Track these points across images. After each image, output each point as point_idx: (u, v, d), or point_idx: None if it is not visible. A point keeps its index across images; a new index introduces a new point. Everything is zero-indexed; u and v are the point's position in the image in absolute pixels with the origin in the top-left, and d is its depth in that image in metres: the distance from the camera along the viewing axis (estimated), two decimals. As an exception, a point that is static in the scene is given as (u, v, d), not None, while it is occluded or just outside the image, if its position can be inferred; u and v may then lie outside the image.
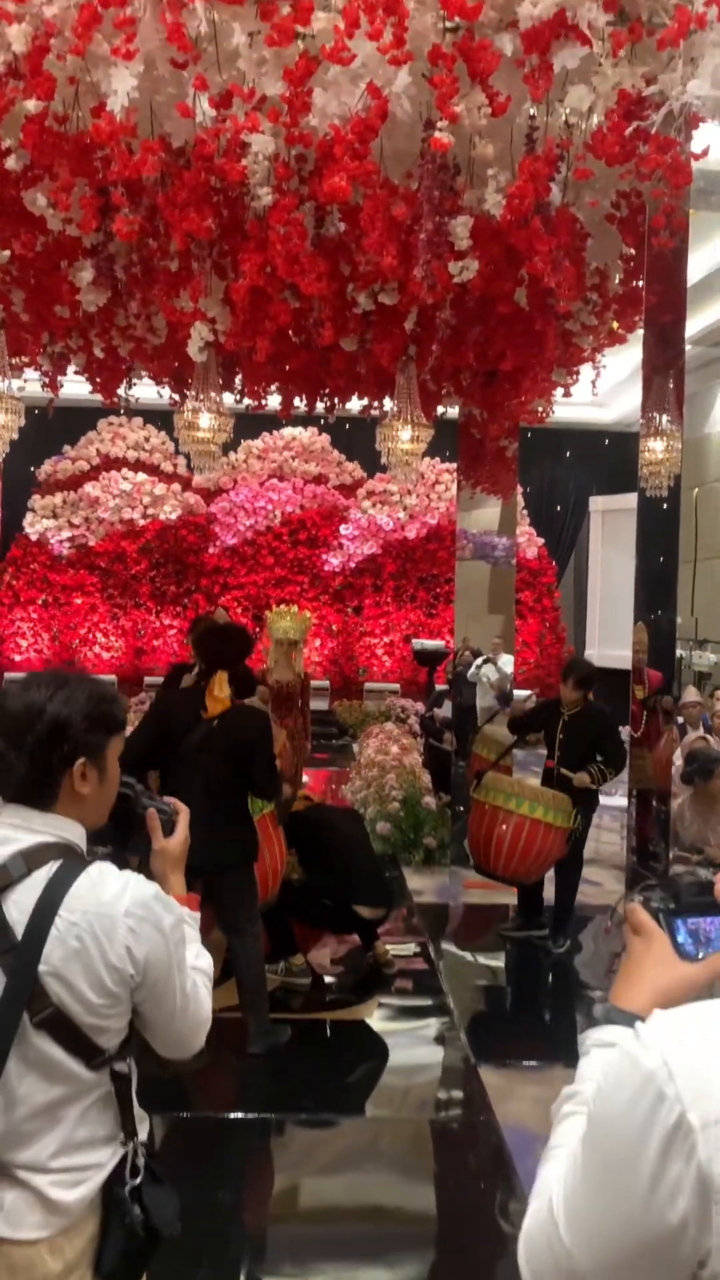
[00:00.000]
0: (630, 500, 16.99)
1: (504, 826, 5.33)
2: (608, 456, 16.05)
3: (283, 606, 12.14)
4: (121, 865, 1.64)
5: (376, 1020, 4.64)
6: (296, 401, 6.44)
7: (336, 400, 6.44)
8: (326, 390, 6.34)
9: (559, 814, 5.37)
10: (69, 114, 3.59)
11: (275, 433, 15.47)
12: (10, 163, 3.57)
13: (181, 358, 5.49)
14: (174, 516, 14.93)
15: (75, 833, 1.64)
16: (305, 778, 6.79)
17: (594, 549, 15.09)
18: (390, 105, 3.43)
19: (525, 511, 14.97)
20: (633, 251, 4.55)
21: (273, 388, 6.18)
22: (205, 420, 5.02)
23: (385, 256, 3.69)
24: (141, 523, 14.85)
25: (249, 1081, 4.06)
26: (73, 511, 14.87)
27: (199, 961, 1.71)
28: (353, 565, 15.32)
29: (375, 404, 6.23)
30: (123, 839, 1.77)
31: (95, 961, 1.53)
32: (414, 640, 12.42)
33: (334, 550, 15.30)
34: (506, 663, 7.96)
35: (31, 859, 1.57)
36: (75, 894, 1.54)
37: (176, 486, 15.15)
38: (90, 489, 14.82)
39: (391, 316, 4.54)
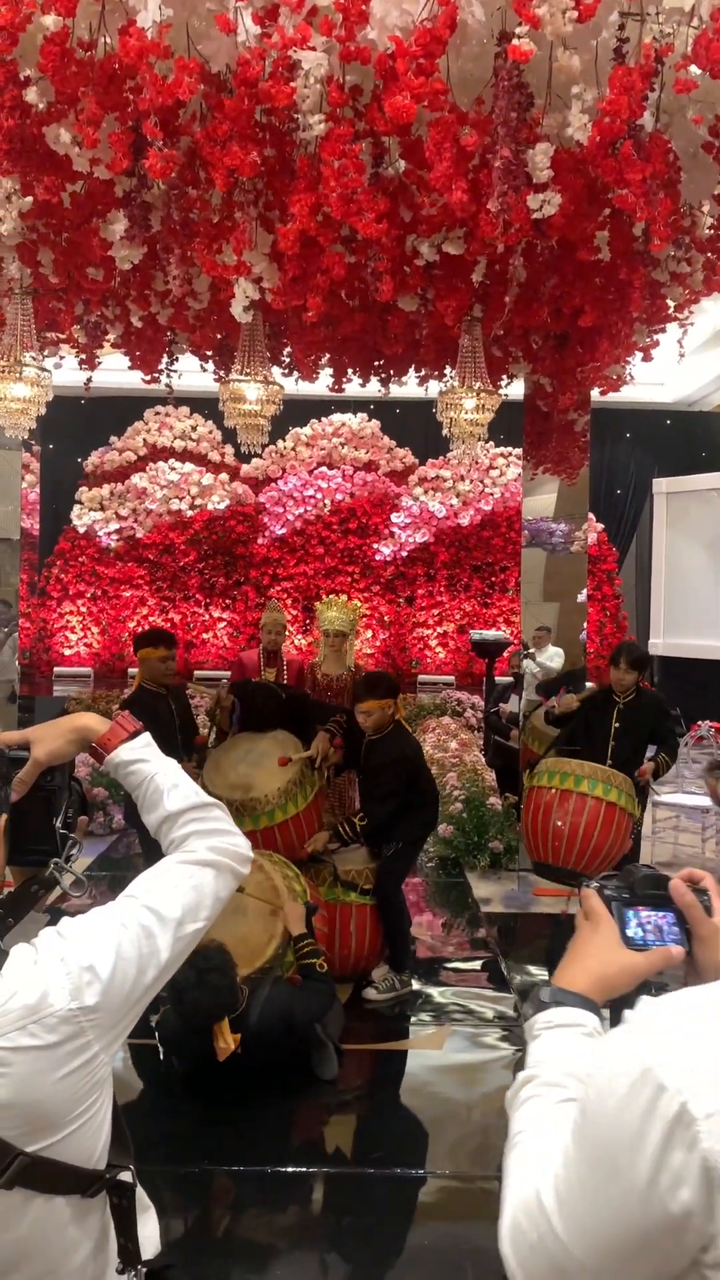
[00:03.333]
0: (697, 481, 16.22)
1: (566, 807, 4.70)
2: (670, 437, 15.40)
3: (331, 597, 11.71)
4: None
5: (448, 1053, 4.19)
6: (350, 375, 5.98)
7: (392, 373, 5.98)
8: (381, 362, 5.89)
9: (627, 798, 4.78)
10: (95, 39, 3.18)
11: (324, 419, 15.04)
12: (30, 95, 3.17)
13: (226, 325, 5.08)
14: (222, 507, 14.58)
15: None
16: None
17: (657, 533, 14.42)
18: (460, 13, 2.99)
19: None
20: (727, 190, 4.03)
21: (324, 359, 5.74)
22: (252, 391, 4.59)
23: (454, 191, 3.23)
24: (189, 514, 14.51)
25: (293, 1131, 3.66)
26: (120, 503, 14.58)
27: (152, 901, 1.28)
28: (404, 554, 14.86)
29: (435, 374, 5.76)
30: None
31: (50, 1073, 1.11)
32: (473, 631, 11.92)
33: (385, 539, 14.85)
34: (551, 655, 7.40)
35: None
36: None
37: (224, 476, 14.80)
38: (137, 480, 14.51)
39: (456, 268, 4.08)
